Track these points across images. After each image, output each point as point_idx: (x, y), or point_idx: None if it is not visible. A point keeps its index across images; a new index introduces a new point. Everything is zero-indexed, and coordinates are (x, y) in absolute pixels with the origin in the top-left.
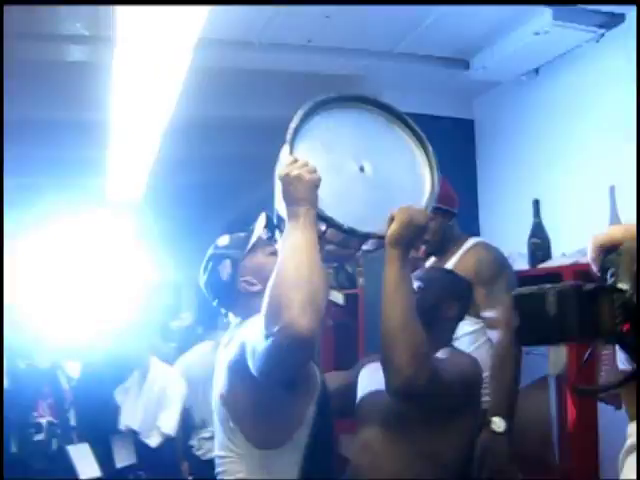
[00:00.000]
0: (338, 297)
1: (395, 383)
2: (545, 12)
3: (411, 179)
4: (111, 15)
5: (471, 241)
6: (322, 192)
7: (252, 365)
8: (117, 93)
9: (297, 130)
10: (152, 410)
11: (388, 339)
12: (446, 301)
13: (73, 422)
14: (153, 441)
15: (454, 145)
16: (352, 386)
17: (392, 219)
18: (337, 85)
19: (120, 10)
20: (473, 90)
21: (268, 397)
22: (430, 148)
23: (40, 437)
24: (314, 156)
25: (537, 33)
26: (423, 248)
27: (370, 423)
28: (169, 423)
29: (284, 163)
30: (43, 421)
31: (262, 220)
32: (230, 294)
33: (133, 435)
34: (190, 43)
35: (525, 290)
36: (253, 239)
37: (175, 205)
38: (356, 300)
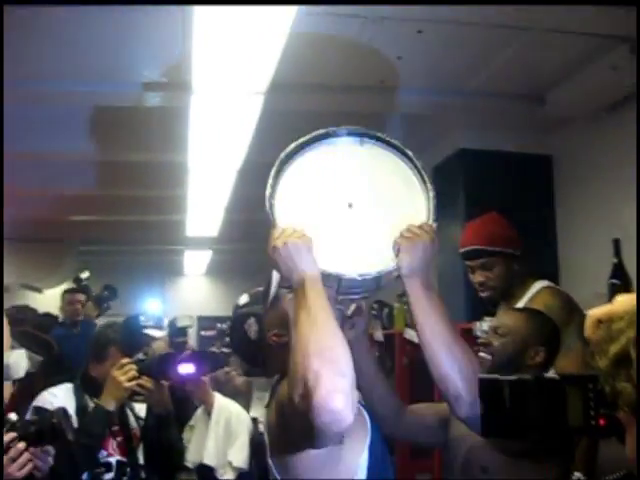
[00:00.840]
0: (412, 335)
1: (460, 414)
2: (622, 46)
3: (408, 201)
4: (188, 62)
5: (538, 285)
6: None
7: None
8: (194, 135)
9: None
10: (221, 446)
11: (443, 372)
12: (532, 347)
13: (142, 460)
14: (228, 477)
15: (532, 182)
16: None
17: (398, 250)
18: (410, 124)
19: (196, 57)
20: (550, 126)
21: (315, 459)
22: (416, 162)
23: (110, 476)
24: (300, 192)
25: (614, 67)
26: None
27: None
28: (239, 457)
29: (272, 236)
30: (113, 460)
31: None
32: (261, 351)
33: (201, 471)
34: (263, 87)
35: (486, 377)
36: (272, 291)
37: (249, 240)
38: None
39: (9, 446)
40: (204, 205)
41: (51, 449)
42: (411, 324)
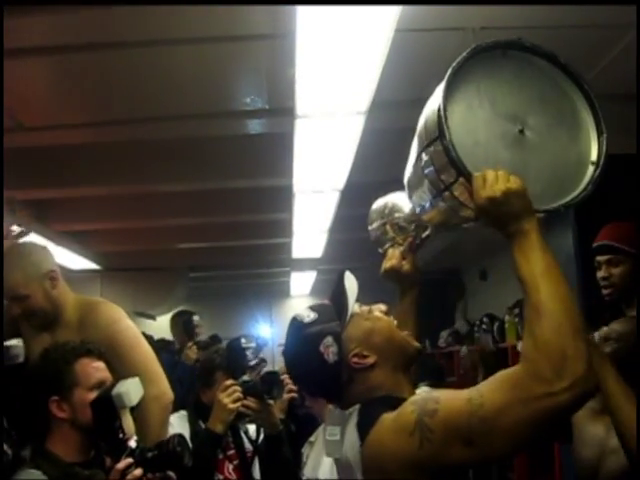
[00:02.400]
0: None
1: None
2: None
3: (575, 151)
4: (292, 88)
5: None
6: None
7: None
8: (299, 159)
9: (455, 73)
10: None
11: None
12: None
13: None
14: None
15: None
16: None
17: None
18: None
19: (299, 82)
20: None
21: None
22: (601, 118)
23: None
24: (471, 107)
25: None
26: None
27: None
28: None
29: (479, 186)
30: None
31: (352, 280)
32: (340, 377)
33: None
34: (363, 107)
35: None
36: (351, 303)
37: (351, 259)
38: None
39: (125, 472)
40: (308, 227)
41: (173, 475)
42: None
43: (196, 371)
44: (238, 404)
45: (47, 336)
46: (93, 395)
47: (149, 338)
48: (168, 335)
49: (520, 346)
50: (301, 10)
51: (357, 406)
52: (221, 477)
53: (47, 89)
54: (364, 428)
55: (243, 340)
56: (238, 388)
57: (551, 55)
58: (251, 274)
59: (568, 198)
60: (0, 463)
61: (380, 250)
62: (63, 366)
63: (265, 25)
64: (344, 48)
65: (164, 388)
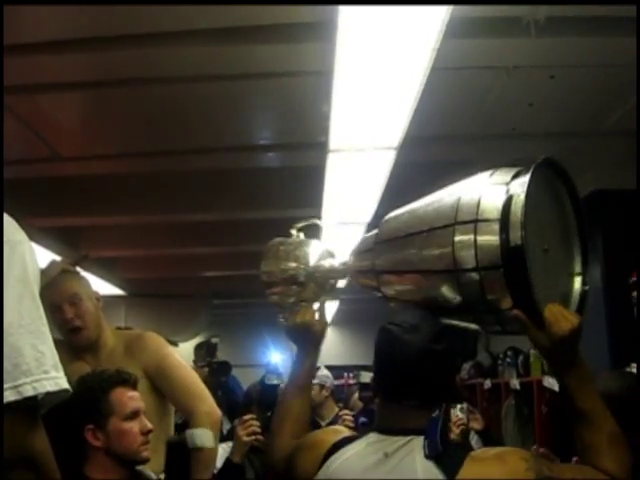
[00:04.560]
0: (552, 383)
1: None
2: None
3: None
4: (326, 123)
5: None
6: None
7: None
8: (328, 191)
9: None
10: None
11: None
12: None
13: None
14: None
15: None
16: None
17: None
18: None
19: (333, 117)
20: None
21: None
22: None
23: None
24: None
25: None
26: None
27: None
28: None
29: (555, 319)
30: None
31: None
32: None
33: None
34: (395, 142)
35: None
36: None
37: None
38: None
39: None
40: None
41: None
42: (549, 371)
43: None
44: (252, 438)
45: (87, 361)
46: (128, 425)
47: None
48: (190, 362)
49: (545, 381)
50: (340, 47)
51: (420, 437)
52: None
53: (81, 121)
54: (447, 466)
55: (274, 379)
56: (255, 422)
57: (564, 170)
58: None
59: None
60: None
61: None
62: (100, 395)
63: (304, 62)
64: (379, 85)
65: (213, 405)
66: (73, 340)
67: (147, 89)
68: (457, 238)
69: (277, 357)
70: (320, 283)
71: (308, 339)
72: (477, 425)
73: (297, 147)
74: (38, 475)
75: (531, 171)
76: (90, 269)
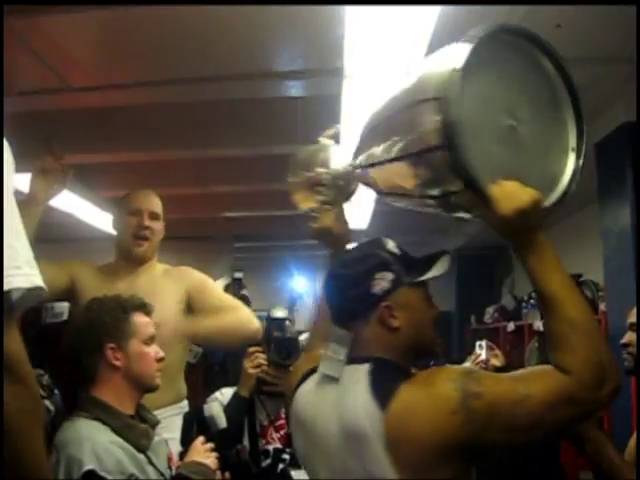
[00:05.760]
0: None
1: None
2: None
3: (556, 139)
4: (340, 47)
5: None
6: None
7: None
8: (345, 122)
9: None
10: None
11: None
12: None
13: None
14: None
15: None
16: None
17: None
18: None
19: (348, 41)
20: None
21: None
22: (580, 101)
23: (267, 462)
24: (486, 96)
25: None
26: None
27: None
28: None
29: (501, 198)
30: (270, 447)
31: (447, 260)
32: (368, 311)
33: None
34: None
35: None
36: (431, 275)
37: (398, 232)
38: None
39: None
40: (355, 197)
41: None
42: None
43: None
44: (258, 370)
45: (123, 279)
46: (147, 349)
47: None
48: None
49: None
50: None
51: (366, 366)
52: (263, 442)
53: (95, 47)
54: (382, 397)
55: (280, 313)
56: (261, 355)
57: (533, 36)
58: (296, 245)
59: (559, 192)
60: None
61: (304, 209)
62: (121, 315)
63: None
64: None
65: (251, 315)
66: (135, 247)
67: (163, 14)
68: (409, 120)
69: (302, 283)
70: (340, 187)
71: (331, 242)
72: (497, 362)
73: (313, 74)
74: (10, 375)
75: (473, 45)
76: (110, 210)
